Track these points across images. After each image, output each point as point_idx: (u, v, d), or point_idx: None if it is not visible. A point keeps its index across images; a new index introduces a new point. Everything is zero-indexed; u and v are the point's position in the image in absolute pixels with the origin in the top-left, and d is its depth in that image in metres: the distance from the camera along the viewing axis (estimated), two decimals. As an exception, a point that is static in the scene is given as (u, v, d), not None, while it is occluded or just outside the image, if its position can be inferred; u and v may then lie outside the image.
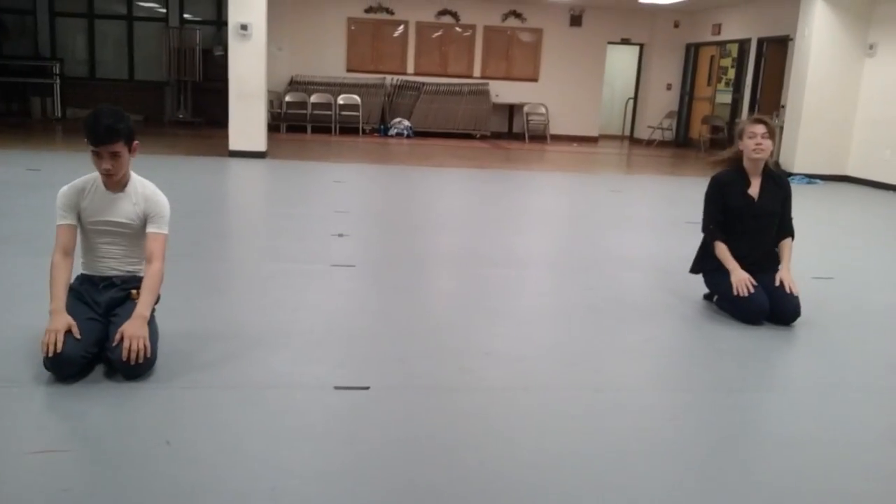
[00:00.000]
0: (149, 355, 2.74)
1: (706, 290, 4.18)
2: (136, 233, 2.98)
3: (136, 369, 2.73)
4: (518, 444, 2.50)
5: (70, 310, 2.79)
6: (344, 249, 5.15)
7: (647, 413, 2.80)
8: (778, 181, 4.00)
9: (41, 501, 2.02)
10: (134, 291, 2.93)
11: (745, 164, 3.91)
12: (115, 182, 2.94)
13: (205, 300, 3.87)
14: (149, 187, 3.05)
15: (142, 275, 2.97)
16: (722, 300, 3.96)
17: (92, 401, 2.61)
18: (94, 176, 2.98)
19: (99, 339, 2.81)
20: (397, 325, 3.68)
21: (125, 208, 2.96)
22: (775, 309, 3.77)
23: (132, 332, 2.72)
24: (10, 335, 3.10)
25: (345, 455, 2.37)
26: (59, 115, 13.65)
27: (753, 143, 3.81)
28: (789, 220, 4.01)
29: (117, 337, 2.72)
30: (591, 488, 2.24)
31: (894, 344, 3.79)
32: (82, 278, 3.01)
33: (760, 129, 3.81)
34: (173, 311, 3.62)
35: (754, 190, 3.91)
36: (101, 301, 2.93)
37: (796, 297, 3.76)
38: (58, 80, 13.59)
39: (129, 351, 2.67)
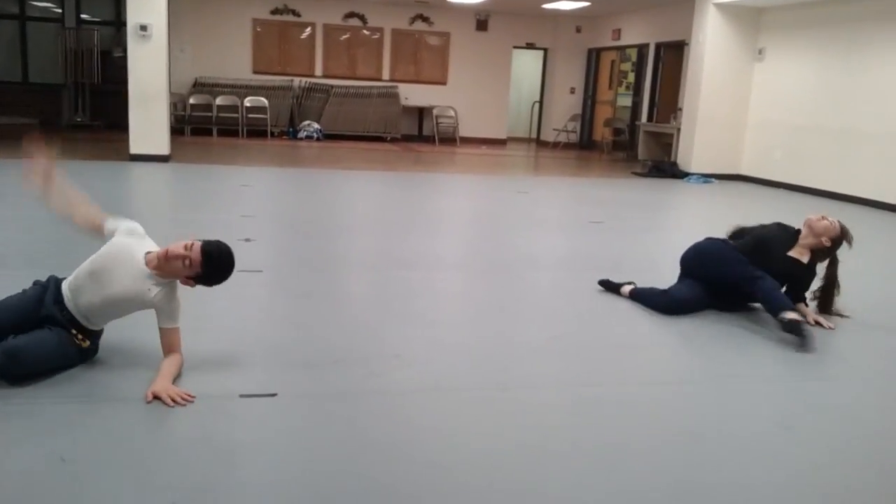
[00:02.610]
0: (180, 400, 2.67)
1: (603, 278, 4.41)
2: (129, 309, 2.96)
3: (11, 368, 2.66)
4: (426, 445, 2.53)
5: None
6: (251, 255, 5.07)
7: (553, 410, 2.88)
8: None
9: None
10: (76, 333, 2.85)
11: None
12: (160, 269, 2.93)
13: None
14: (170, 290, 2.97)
15: (98, 329, 2.96)
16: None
17: (-17, 418, 2.50)
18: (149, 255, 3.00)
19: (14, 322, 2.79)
20: (305, 330, 3.66)
21: (137, 287, 2.90)
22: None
23: (161, 390, 2.68)
24: None
25: (250, 464, 2.35)
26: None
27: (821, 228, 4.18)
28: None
29: (148, 397, 2.66)
30: (498, 487, 2.29)
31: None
32: (52, 281, 2.97)
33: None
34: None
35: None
36: (47, 314, 2.85)
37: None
38: (-56, 84, 12.91)
39: (174, 402, 2.66)
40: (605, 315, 4.11)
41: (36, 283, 3.00)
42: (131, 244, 3.00)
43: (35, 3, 13.76)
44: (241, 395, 2.78)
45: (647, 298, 4.15)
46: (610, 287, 4.39)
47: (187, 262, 2.90)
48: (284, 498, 2.16)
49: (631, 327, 3.93)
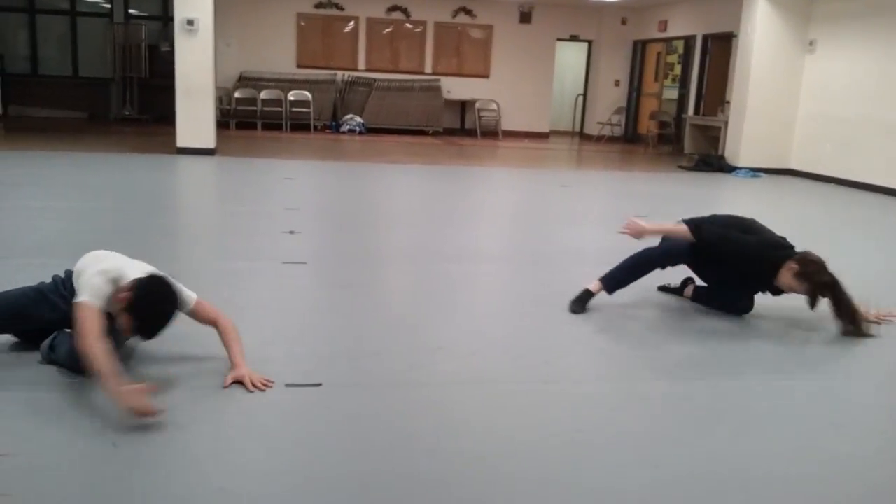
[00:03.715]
0: (261, 386, 2.74)
1: (661, 283, 4.27)
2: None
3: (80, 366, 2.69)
4: (468, 437, 2.52)
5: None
6: (295, 247, 5.12)
7: (597, 403, 2.85)
8: None
9: (-17, 507, 1.98)
10: None
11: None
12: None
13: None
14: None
15: None
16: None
17: (34, 405, 2.56)
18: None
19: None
20: (349, 321, 3.67)
21: None
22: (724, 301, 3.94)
23: (243, 375, 2.75)
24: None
25: (296, 453, 2.37)
26: (1, 112, 13.27)
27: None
28: None
29: (228, 382, 2.73)
30: (540, 479, 2.27)
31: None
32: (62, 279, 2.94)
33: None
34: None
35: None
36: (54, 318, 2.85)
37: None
38: (-2, 77, 13.24)
39: (255, 387, 2.73)
40: (648, 308, 4.05)
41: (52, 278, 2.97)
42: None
43: (85, -2, 14.06)
44: (287, 385, 2.80)
45: (719, 305, 4.01)
46: (671, 290, 4.29)
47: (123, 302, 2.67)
48: (328, 487, 2.16)
49: (676, 321, 3.86)
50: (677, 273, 4.22)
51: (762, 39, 10.70)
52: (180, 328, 2.86)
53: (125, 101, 13.77)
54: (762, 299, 3.97)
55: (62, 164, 8.49)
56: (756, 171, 10.75)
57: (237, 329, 2.92)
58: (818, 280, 3.62)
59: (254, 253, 4.92)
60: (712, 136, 12.40)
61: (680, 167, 11.20)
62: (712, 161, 11.17)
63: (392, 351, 3.25)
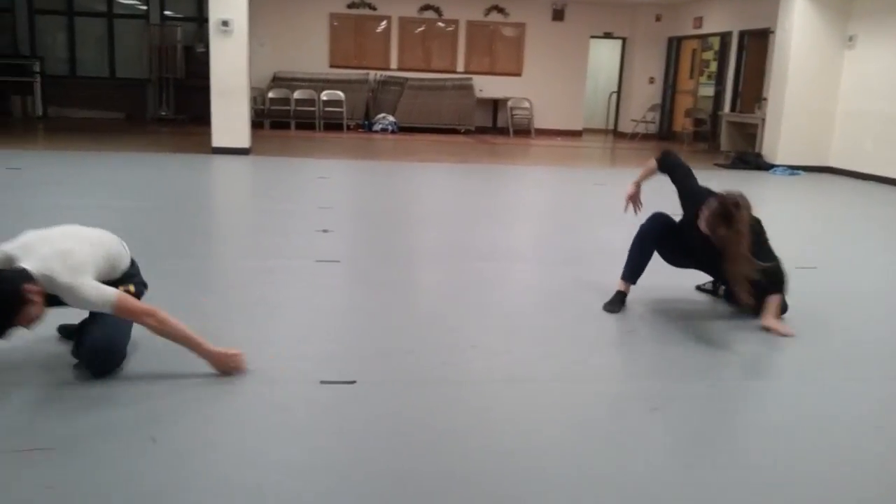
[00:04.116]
0: (242, 367, 2.82)
1: (699, 282, 4.22)
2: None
3: (104, 366, 2.72)
4: (502, 435, 2.51)
5: None
6: (328, 245, 5.14)
7: (631, 403, 2.81)
8: None
9: (24, 497, 2.01)
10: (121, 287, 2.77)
11: None
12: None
13: (189, 297, 3.85)
14: (62, 286, 2.57)
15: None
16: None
17: (75, 399, 2.60)
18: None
19: None
20: (383, 319, 3.68)
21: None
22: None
23: (225, 367, 2.80)
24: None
25: (331, 449, 2.37)
26: (41, 113, 13.53)
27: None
28: (771, 271, 3.56)
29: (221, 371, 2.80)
30: (574, 478, 2.25)
31: (878, 330, 3.83)
32: None
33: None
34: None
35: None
36: None
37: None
38: (38, 79, 13.48)
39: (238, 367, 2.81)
40: (683, 308, 4.00)
41: None
42: None
43: (122, 0, 14.24)
44: (322, 382, 2.81)
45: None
46: (707, 290, 4.23)
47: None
48: (363, 483, 2.17)
49: (709, 320, 3.80)
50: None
51: (800, 35, 10.52)
52: (208, 337, 2.88)
53: (161, 102, 13.95)
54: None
55: (100, 164, 8.63)
56: (794, 169, 10.58)
57: (169, 324, 2.71)
58: (716, 208, 3.38)
59: (288, 251, 4.95)
60: (749, 134, 12.21)
61: (716, 165, 11.05)
62: (749, 159, 11.01)
63: (425, 349, 3.24)
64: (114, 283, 2.79)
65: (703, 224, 3.49)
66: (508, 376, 3.00)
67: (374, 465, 2.27)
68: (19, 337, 2.80)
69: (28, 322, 2.53)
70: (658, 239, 3.86)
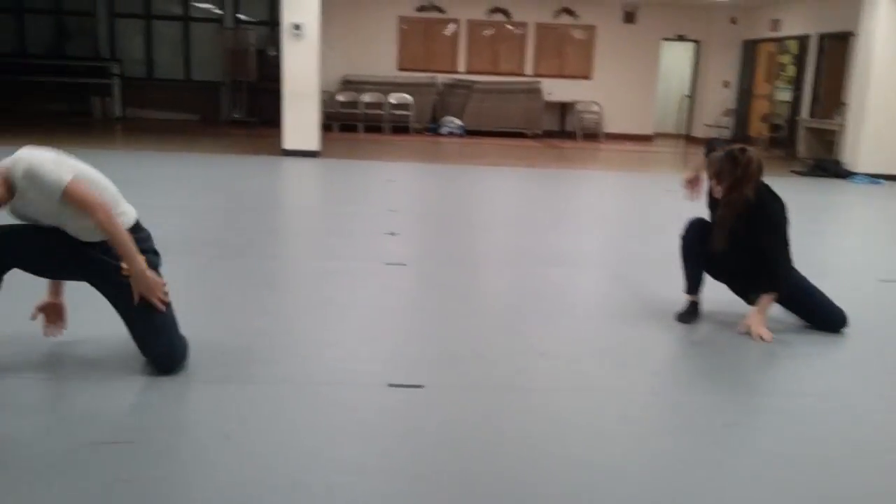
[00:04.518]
0: (164, 297, 2.73)
1: None
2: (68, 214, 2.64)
3: (171, 368, 2.76)
4: (572, 445, 2.46)
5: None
6: (396, 248, 5.15)
7: (707, 415, 2.72)
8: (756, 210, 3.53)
9: (102, 490, 2.05)
10: (124, 263, 2.68)
11: None
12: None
13: (259, 297, 3.90)
14: (21, 168, 2.56)
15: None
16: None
17: (153, 395, 2.65)
18: None
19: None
20: (450, 324, 3.66)
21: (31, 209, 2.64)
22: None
23: (145, 290, 2.68)
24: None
25: (399, 453, 2.36)
26: (119, 114, 13.98)
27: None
28: (772, 265, 3.51)
29: (136, 300, 2.67)
30: (645, 493, 2.19)
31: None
32: None
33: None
34: (228, 308, 3.68)
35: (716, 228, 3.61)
36: (87, 250, 2.72)
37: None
38: (117, 81, 13.93)
39: (150, 301, 2.69)
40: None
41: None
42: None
43: (197, 4, 14.62)
44: (390, 385, 2.81)
45: (819, 322, 3.71)
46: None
47: None
48: (431, 487, 2.15)
49: (787, 335, 3.66)
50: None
51: (884, 38, 10.11)
52: (278, 337, 2.89)
53: (234, 104, 14.26)
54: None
55: (176, 165, 8.86)
56: (876, 178, 10.17)
57: (111, 226, 2.62)
58: (724, 152, 3.42)
59: (356, 253, 4.98)
60: (828, 140, 11.80)
61: (793, 172, 10.71)
62: (828, 166, 10.63)
63: (494, 355, 3.21)
64: None
65: (710, 173, 3.48)
66: (578, 385, 2.94)
67: (443, 471, 2.25)
68: (96, 332, 2.87)
69: None
70: (698, 243, 3.72)
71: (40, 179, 2.55)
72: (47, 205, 2.60)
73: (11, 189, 2.58)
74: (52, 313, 2.92)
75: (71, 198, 2.57)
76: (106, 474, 2.13)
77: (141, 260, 2.68)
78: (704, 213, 3.75)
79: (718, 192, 3.52)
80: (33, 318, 2.89)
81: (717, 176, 3.48)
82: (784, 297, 3.55)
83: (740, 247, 3.53)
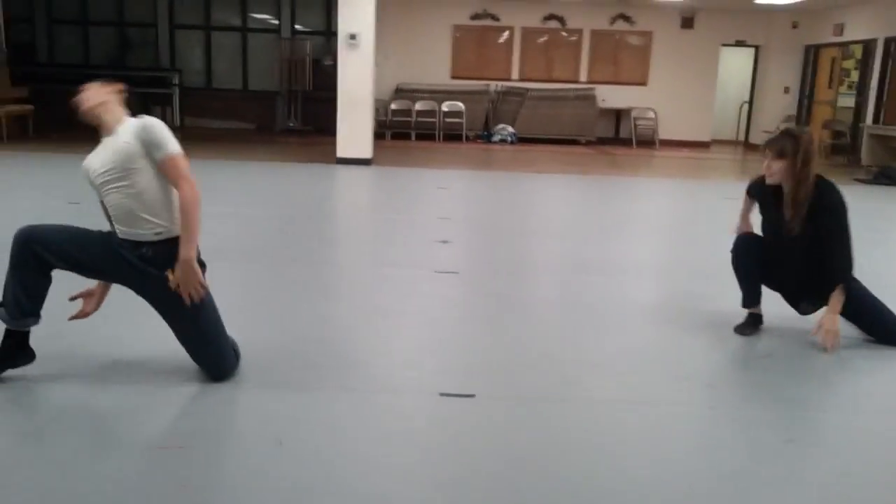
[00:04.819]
0: (203, 296, 2.67)
1: None
2: (143, 178, 2.65)
3: (224, 377, 2.79)
4: (626, 460, 2.40)
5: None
6: (448, 256, 5.14)
7: (764, 431, 2.64)
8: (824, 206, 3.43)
9: (159, 494, 2.08)
10: (169, 274, 2.66)
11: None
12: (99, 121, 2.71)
13: (313, 304, 3.93)
14: (138, 121, 2.69)
15: (172, 234, 2.70)
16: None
17: (206, 400, 2.68)
18: None
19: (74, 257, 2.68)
20: (501, 333, 3.63)
21: (114, 147, 2.66)
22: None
23: (181, 278, 2.62)
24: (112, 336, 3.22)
25: (452, 463, 2.35)
26: (178, 123, 14.29)
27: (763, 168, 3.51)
28: (837, 258, 3.43)
29: (173, 286, 2.63)
30: (707, 510, 2.12)
31: None
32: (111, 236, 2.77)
33: (767, 157, 3.46)
34: (282, 314, 3.71)
35: (788, 210, 3.45)
36: (129, 259, 2.69)
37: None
38: (177, 90, 14.25)
39: (190, 298, 2.64)
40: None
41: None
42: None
43: (255, 15, 14.88)
44: (441, 394, 2.79)
45: (882, 335, 3.57)
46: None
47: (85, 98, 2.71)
48: (477, 498, 2.12)
49: (849, 350, 3.52)
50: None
51: (955, 41, 9.76)
52: (331, 344, 2.88)
53: (290, 113, 14.46)
54: None
55: (233, 173, 9.01)
56: (944, 187, 9.80)
57: (196, 203, 2.64)
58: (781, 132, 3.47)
59: (408, 261, 4.98)
60: (893, 147, 11.42)
61: (857, 180, 10.39)
62: (893, 174, 10.29)
63: (546, 365, 3.17)
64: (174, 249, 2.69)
65: (773, 153, 3.42)
66: (632, 398, 2.88)
67: (494, 482, 2.23)
68: (150, 337, 2.92)
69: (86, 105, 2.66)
70: (746, 255, 3.64)
71: (156, 134, 2.62)
72: (141, 162, 2.62)
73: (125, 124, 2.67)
74: (90, 300, 2.92)
75: (173, 163, 2.63)
76: (164, 479, 2.15)
77: (194, 250, 2.66)
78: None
79: (775, 175, 3.43)
80: (72, 298, 2.89)
81: (779, 154, 3.40)
82: (846, 305, 3.43)
83: (798, 245, 3.44)
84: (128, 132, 2.65)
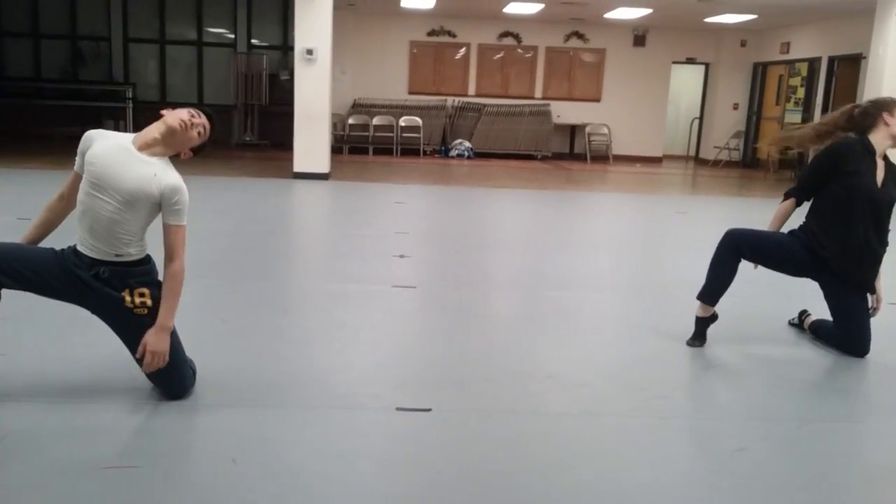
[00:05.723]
0: (163, 364, 2.63)
1: (791, 316, 4.06)
2: (141, 209, 2.69)
3: (179, 392, 2.75)
4: (580, 471, 2.44)
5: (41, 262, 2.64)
6: (405, 270, 5.16)
7: (718, 442, 2.70)
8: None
9: (109, 517, 2.05)
10: (126, 295, 2.66)
11: (877, 142, 3.48)
12: (166, 145, 2.76)
13: (269, 320, 3.90)
14: (175, 179, 2.76)
15: (132, 259, 2.72)
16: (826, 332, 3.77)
17: (160, 419, 2.65)
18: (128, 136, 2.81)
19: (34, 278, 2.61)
20: (458, 347, 3.65)
21: (141, 172, 2.67)
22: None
23: (154, 346, 2.60)
24: (82, 353, 3.17)
25: (408, 478, 2.35)
26: (132, 137, 14.08)
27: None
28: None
29: (140, 349, 2.60)
30: (659, 520, 2.16)
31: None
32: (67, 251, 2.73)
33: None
34: (238, 331, 3.68)
35: (879, 174, 3.49)
36: (84, 278, 2.65)
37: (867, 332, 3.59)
38: (130, 104, 14.06)
39: (149, 366, 2.61)
40: (771, 345, 3.83)
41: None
42: (109, 141, 2.79)
43: (211, 29, 14.78)
44: (398, 409, 2.79)
45: (837, 343, 3.69)
46: (795, 325, 4.06)
47: (202, 130, 2.84)
48: (439, 517, 2.13)
49: (798, 359, 3.63)
50: (804, 306, 4.00)
51: (894, 60, 10.11)
52: (287, 361, 2.88)
53: (246, 128, 14.36)
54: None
55: (188, 187, 8.89)
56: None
57: (181, 282, 2.70)
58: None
59: (365, 276, 4.98)
60: (838, 162, 11.74)
61: (802, 194, 10.68)
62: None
63: (502, 378, 3.20)
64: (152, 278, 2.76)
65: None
66: (587, 410, 2.92)
67: (452, 496, 2.23)
68: (104, 358, 2.87)
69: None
70: (744, 245, 3.73)
71: (181, 204, 2.75)
72: (148, 204, 2.71)
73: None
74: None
75: (180, 233, 2.76)
76: (115, 499, 2.12)
77: (173, 319, 2.68)
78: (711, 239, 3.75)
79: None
80: None
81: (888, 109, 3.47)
82: (843, 293, 3.62)
83: (887, 210, 3.57)
84: (161, 177, 2.70)
